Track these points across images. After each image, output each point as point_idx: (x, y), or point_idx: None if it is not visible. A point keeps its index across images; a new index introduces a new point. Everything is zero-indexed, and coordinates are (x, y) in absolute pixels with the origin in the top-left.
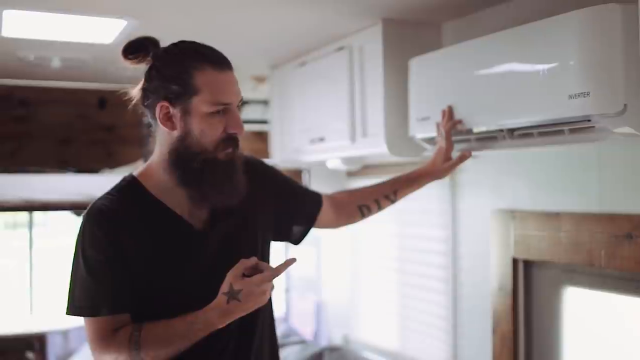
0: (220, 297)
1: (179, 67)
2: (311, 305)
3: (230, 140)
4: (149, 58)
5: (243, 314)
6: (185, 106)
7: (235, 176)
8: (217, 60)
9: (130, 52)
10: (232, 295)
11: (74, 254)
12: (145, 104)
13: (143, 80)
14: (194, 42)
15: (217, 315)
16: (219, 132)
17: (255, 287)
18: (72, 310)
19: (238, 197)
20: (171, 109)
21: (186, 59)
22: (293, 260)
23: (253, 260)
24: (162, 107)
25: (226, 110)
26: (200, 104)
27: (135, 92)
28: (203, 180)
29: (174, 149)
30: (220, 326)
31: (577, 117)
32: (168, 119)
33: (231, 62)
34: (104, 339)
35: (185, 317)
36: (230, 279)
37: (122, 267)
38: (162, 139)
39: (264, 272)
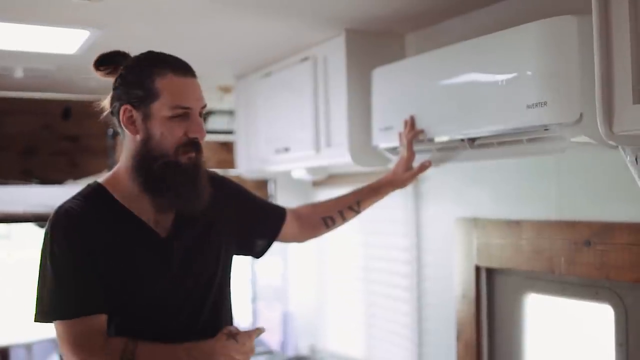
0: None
1: (142, 73)
2: (278, 315)
3: (191, 144)
4: (120, 70)
5: None
6: (147, 110)
7: (197, 181)
8: (178, 66)
9: (101, 64)
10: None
11: (41, 260)
12: (112, 111)
13: (112, 90)
14: (159, 52)
15: None
16: (179, 136)
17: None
18: (41, 316)
19: (201, 203)
20: (134, 113)
21: (149, 64)
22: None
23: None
24: (125, 110)
25: (187, 115)
26: (161, 108)
27: (106, 102)
28: (164, 185)
29: (137, 153)
30: None
31: (535, 127)
32: (131, 123)
33: (197, 71)
34: (82, 344)
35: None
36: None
37: (91, 268)
38: (127, 145)
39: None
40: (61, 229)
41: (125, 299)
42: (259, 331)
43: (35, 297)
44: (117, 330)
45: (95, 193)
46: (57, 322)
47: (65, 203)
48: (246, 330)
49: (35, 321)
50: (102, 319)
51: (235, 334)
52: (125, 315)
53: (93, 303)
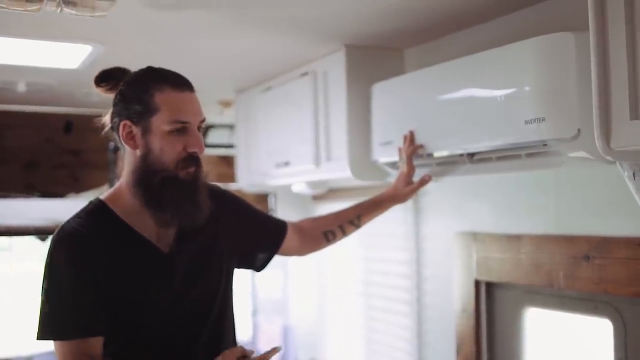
0: None
1: (140, 88)
2: (278, 329)
3: (191, 159)
4: (120, 86)
5: None
6: (146, 125)
7: (197, 196)
8: (177, 82)
9: (102, 80)
10: None
11: (43, 279)
12: (112, 126)
13: (112, 106)
14: (157, 67)
15: None
16: (178, 151)
17: None
18: (41, 334)
19: (202, 216)
20: (133, 128)
21: (147, 80)
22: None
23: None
24: (124, 125)
25: (185, 129)
26: (160, 122)
27: (106, 118)
28: (164, 199)
29: (137, 168)
30: None
31: (534, 142)
32: (131, 138)
33: (197, 86)
34: None
35: None
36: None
37: (93, 290)
38: (128, 160)
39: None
40: (63, 249)
41: (129, 314)
42: (274, 351)
43: (39, 314)
44: (121, 345)
45: (96, 210)
46: (55, 341)
47: (67, 222)
48: (261, 353)
49: (37, 339)
50: (98, 340)
51: (248, 357)
52: (129, 329)
53: (90, 326)
